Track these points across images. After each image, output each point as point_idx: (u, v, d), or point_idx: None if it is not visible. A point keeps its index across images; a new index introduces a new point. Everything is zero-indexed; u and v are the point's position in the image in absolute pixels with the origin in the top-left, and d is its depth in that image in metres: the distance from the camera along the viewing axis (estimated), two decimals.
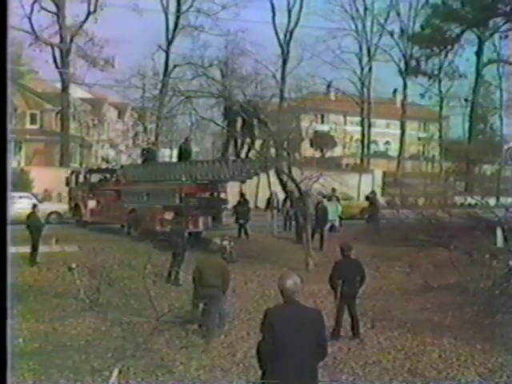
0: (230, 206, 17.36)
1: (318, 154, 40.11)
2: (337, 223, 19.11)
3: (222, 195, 16.79)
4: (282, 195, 18.23)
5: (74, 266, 10.21)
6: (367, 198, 20.65)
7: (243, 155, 15.17)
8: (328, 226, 17.28)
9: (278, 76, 33.39)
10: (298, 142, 16.54)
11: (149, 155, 19.11)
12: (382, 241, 15.54)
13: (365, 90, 40.33)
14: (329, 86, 42.32)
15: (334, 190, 18.76)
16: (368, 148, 41.73)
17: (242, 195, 18.70)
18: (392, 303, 9.86)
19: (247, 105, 14.43)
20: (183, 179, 15.59)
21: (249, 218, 17.78)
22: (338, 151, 44.92)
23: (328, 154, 41.80)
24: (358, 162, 40.47)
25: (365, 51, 40.40)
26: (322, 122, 47.54)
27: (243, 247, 14.93)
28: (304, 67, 34.56)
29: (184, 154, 17.00)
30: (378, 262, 13.23)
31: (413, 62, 39.55)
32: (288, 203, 18.08)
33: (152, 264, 11.13)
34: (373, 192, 20.78)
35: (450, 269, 10.70)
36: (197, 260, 9.10)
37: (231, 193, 18.20)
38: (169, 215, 14.91)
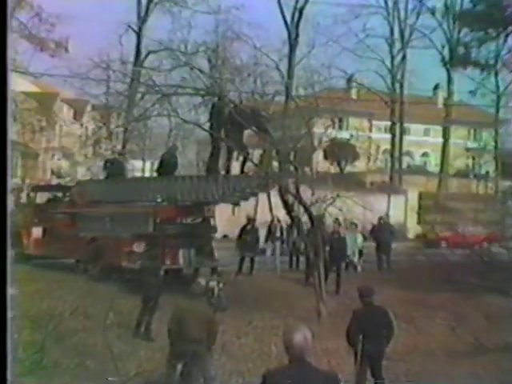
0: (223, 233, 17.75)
1: (334, 169, 40.38)
2: (356, 259, 19.27)
3: (210, 221, 16.88)
4: (286, 222, 18.34)
5: (10, 315, 10.22)
6: (373, 229, 21.00)
7: (237, 170, 15.31)
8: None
9: (284, 67, 34.00)
10: (308, 153, 16.63)
11: (114, 168, 19.22)
12: (417, 284, 15.60)
13: (396, 85, 40.81)
14: (349, 81, 42.88)
15: (352, 223, 19.12)
16: (400, 161, 42.08)
17: (249, 220, 18.95)
18: (432, 367, 9.86)
19: (243, 105, 14.62)
20: (159, 200, 15.69)
21: (258, 251, 18.25)
22: (360, 165, 45.20)
23: (348, 169, 42.06)
24: (387, 179, 40.76)
25: (397, 35, 40.95)
26: (341, 127, 47.80)
27: (236, 290, 14.96)
28: (317, 56, 35.08)
29: (166, 167, 17.14)
30: (412, 312, 13.25)
31: (460, 49, 40.06)
32: (295, 233, 18.18)
33: (116, 312, 11.14)
34: (381, 218, 21.12)
35: (510, 323, 10.72)
36: (175, 307, 9.13)
37: (221, 218, 18.32)
38: (139, 247, 14.95)
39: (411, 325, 12.32)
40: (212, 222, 16.78)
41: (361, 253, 19.65)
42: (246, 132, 15.52)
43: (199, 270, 16.02)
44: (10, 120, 2.88)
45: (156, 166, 19.23)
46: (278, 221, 19.52)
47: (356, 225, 19.87)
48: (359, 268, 19.36)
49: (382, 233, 20.38)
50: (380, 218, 21.19)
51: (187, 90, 15.67)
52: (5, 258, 3.05)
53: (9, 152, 2.86)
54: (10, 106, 2.93)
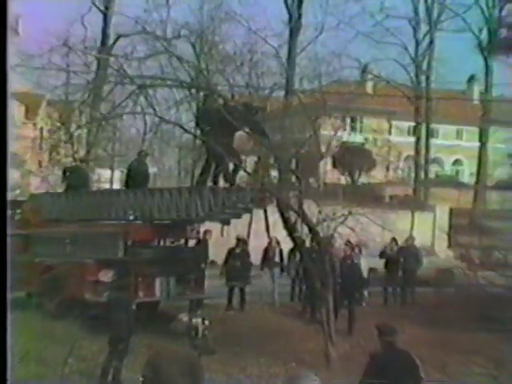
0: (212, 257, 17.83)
1: (345, 180, 40.49)
2: (366, 294, 19.36)
3: (193, 243, 16.86)
4: (287, 244, 18.35)
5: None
6: (382, 253, 21.07)
7: (226, 180, 15.37)
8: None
9: (284, 55, 34.09)
10: (314, 161, 16.74)
11: (75, 179, 19.23)
12: (449, 322, 15.63)
13: (422, 77, 41.02)
14: (364, 72, 43.13)
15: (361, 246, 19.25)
16: (426, 171, 42.22)
17: (238, 242, 18.98)
18: None
19: (234, 100, 14.69)
20: (131, 217, 15.71)
21: (249, 280, 18.37)
22: (377, 175, 45.25)
23: (362, 180, 42.16)
24: (410, 192, 40.87)
25: (423, 15, 41.18)
26: (353, 128, 47.98)
27: (226, 328, 14.95)
28: (325, 41, 35.29)
29: (135, 178, 17.19)
30: (442, 357, 13.26)
31: (502, 32, 40.12)
32: (297, 257, 18.21)
33: (77, 356, 11.11)
34: (394, 240, 21.17)
35: None
36: (150, 350, 9.13)
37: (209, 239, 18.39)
38: (106, 275, 14.97)
39: (442, 373, 12.33)
40: (201, 246, 16.86)
41: (367, 282, 19.71)
42: (238, 134, 15.60)
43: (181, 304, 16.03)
44: (9, 121, 3.42)
45: (122, 176, 19.35)
46: (277, 243, 19.54)
47: (360, 248, 20.09)
48: (364, 301, 19.34)
49: (405, 259, 20.43)
50: (392, 240, 21.16)
51: (166, 82, 15.77)
52: (5, 259, 3.82)
53: (8, 152, 3.42)
54: (10, 107, 3.39)
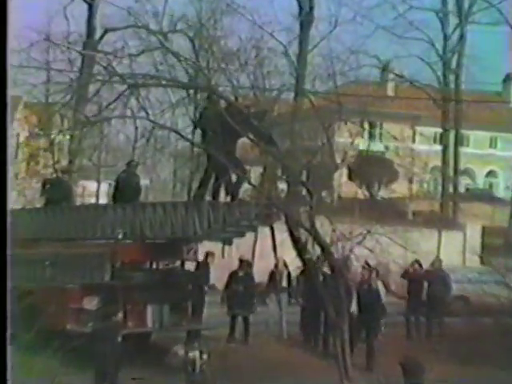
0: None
1: (363, 194, 40.42)
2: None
3: (190, 265, 16.83)
4: (295, 266, 18.34)
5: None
6: (405, 273, 20.99)
7: (228, 194, 15.38)
8: None
9: (294, 52, 34.17)
10: (327, 172, 16.73)
11: (56, 192, 19.25)
12: (484, 357, 15.54)
13: (450, 76, 40.99)
14: (385, 71, 43.17)
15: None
16: (455, 183, 42.17)
17: (242, 264, 19.00)
18: None
19: (238, 103, 14.72)
20: (120, 236, 15.70)
21: (254, 308, 18.36)
22: (400, 189, 45.19)
23: (382, 194, 42.10)
24: (437, 208, 40.79)
25: (452, 6, 41.13)
26: (372, 135, 47.95)
27: (227, 362, 14.89)
28: (340, 37, 35.35)
29: (124, 191, 17.22)
30: None
31: None
32: (307, 282, 18.16)
33: None
34: (418, 262, 21.08)
35: None
36: None
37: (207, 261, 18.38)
38: (91, 302, 14.94)
39: None
40: (201, 270, 16.84)
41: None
42: (241, 141, 15.63)
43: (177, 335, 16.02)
44: (9, 121, 3.75)
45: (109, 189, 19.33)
46: (285, 265, 19.49)
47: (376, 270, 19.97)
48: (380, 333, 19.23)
49: (431, 284, 20.34)
50: (416, 263, 21.07)
51: (161, 81, 15.83)
52: (5, 258, 4.25)
53: (9, 153, 3.78)
54: (10, 107, 3.78)
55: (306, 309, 19.37)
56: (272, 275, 19.94)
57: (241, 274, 18.73)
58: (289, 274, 19.80)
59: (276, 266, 19.59)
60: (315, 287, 15.83)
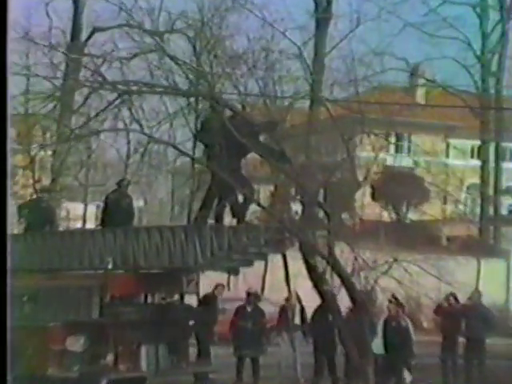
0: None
1: (389, 216, 40.38)
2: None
3: (190, 299, 16.85)
4: (311, 300, 18.34)
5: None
6: (438, 308, 20.91)
7: (234, 216, 15.43)
8: None
9: (309, 54, 34.24)
10: (348, 191, 16.76)
11: (37, 216, 19.33)
12: None
13: (490, 80, 40.94)
14: (414, 75, 43.24)
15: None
16: (496, 204, 42.05)
17: (250, 296, 18.97)
18: None
19: (245, 113, 14.82)
20: (109, 266, 15.73)
21: (264, 348, 18.42)
22: (432, 210, 45.02)
23: (411, 217, 42.06)
24: (475, 232, 40.70)
25: (492, 0, 41.04)
26: (399, 149, 47.97)
27: None
28: (362, 36, 35.40)
29: (115, 214, 17.32)
30: None
31: None
32: (327, 318, 18.14)
33: None
34: (453, 295, 21.00)
35: None
36: None
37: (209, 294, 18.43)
38: (76, 343, 14.95)
39: None
40: (208, 306, 16.88)
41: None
42: (249, 157, 15.69)
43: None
44: (9, 121, 4.39)
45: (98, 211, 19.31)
46: (298, 299, 19.48)
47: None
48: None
49: (471, 321, 20.22)
50: (451, 296, 21.03)
51: (157, 89, 15.91)
52: (5, 258, 4.81)
53: (8, 152, 4.35)
54: (10, 108, 4.31)
55: (321, 349, 19.34)
56: (283, 310, 19.92)
57: (249, 309, 18.71)
58: (302, 309, 19.77)
59: (287, 299, 19.56)
60: (334, 324, 15.84)
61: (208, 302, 18.06)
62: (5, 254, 4.70)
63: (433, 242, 36.44)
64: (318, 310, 18.66)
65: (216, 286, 18.27)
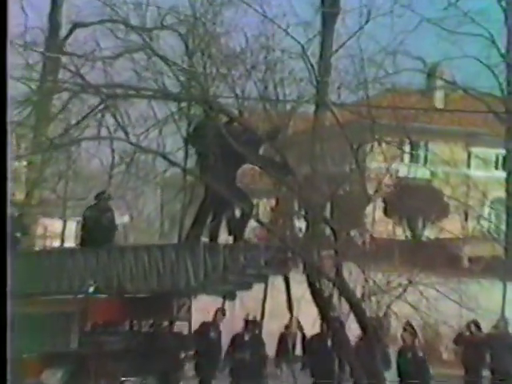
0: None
1: (403, 234, 40.38)
2: None
3: (181, 327, 16.89)
4: (313, 327, 18.36)
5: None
6: (459, 337, 20.88)
7: (230, 234, 15.48)
8: None
9: (314, 53, 34.30)
10: (357, 206, 16.78)
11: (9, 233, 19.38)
12: None
13: None
14: (431, 76, 43.29)
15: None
16: None
17: (248, 324, 19.08)
18: None
19: (242, 119, 14.85)
20: (91, 289, 15.75)
21: (265, 381, 18.50)
22: (451, 227, 44.82)
23: (428, 234, 42.05)
24: (500, 252, 40.67)
25: None
26: (415, 158, 47.91)
27: None
28: (373, 33, 35.44)
29: (96, 231, 17.34)
30: None
31: None
32: (326, 347, 18.13)
33: None
34: (475, 323, 20.98)
35: None
36: None
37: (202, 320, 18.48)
38: (53, 376, 14.95)
39: None
40: (185, 329, 16.82)
41: None
42: (247, 166, 15.71)
43: None
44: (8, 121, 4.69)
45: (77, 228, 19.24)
46: (299, 326, 19.49)
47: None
48: None
49: (496, 353, 20.19)
50: (473, 324, 21.02)
51: (144, 92, 15.95)
52: (5, 258, 5.43)
53: (9, 152, 4.80)
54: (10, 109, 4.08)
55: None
56: (282, 339, 19.93)
57: (247, 337, 18.73)
58: (304, 338, 19.75)
59: (286, 327, 19.56)
60: (341, 355, 15.84)
61: (207, 330, 18.04)
62: (5, 254, 5.29)
63: (453, 263, 36.39)
64: (315, 338, 18.66)
65: (216, 311, 18.26)
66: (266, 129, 15.25)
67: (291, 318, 19.19)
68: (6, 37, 4.65)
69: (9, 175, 5.04)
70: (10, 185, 5.12)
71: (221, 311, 18.41)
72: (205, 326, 18.14)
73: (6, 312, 5.61)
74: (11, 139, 31.52)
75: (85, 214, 18.16)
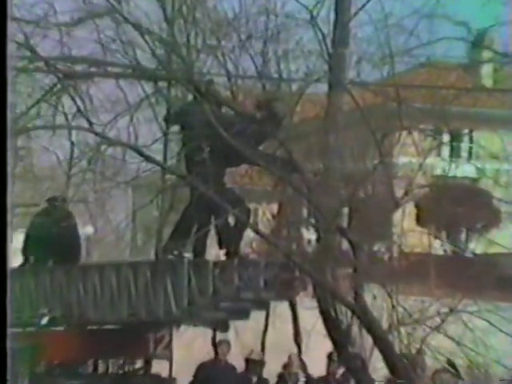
0: None
1: (441, 247, 40.48)
2: None
3: (160, 367, 16.92)
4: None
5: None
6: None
7: (222, 248, 15.49)
8: None
9: (326, 22, 34.30)
10: (381, 213, 16.79)
11: None
12: None
13: None
14: (476, 45, 43.24)
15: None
16: None
17: (248, 363, 19.19)
18: None
19: (236, 102, 14.88)
20: (44, 320, 15.79)
21: None
22: (503, 238, 44.91)
23: (474, 248, 42.15)
24: None
25: None
26: (456, 151, 47.91)
27: None
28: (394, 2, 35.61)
29: (50, 245, 17.39)
30: None
31: None
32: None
33: None
34: None
35: None
36: None
37: (190, 357, 18.50)
38: None
39: None
40: (163, 372, 16.89)
41: None
42: (243, 164, 15.72)
43: None
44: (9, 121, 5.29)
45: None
46: (301, 363, 19.58)
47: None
48: None
49: None
50: None
51: (111, 70, 15.98)
52: (5, 258, 5.96)
53: (8, 152, 5.46)
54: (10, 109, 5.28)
55: None
56: (281, 380, 20.00)
57: (251, 376, 18.80)
58: (308, 381, 19.81)
59: (285, 366, 19.61)
60: None
61: (207, 371, 18.07)
62: (5, 254, 5.78)
63: (506, 285, 36.45)
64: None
65: (219, 344, 18.30)
66: (266, 114, 15.10)
67: (290, 356, 19.23)
68: (5, 37, 5.24)
69: (9, 175, 5.63)
70: (9, 183, 5.81)
71: (225, 343, 18.42)
72: (203, 368, 18.11)
73: (6, 312, 6.28)
74: None
75: (31, 224, 18.13)
